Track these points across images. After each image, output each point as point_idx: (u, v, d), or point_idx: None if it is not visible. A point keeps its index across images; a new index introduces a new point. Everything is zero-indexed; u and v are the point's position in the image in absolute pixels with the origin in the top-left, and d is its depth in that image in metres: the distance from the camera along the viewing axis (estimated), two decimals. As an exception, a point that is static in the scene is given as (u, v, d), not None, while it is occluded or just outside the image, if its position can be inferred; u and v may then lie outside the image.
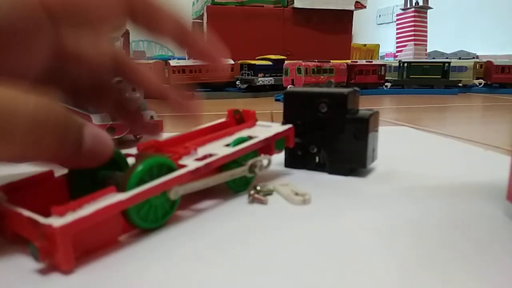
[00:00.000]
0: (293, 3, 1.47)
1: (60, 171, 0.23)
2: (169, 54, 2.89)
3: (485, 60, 1.38)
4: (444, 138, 0.53)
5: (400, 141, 0.49)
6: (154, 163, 0.22)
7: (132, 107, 0.31)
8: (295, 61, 1.10)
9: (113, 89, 0.28)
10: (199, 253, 0.20)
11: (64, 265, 0.17)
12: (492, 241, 0.21)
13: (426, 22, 1.78)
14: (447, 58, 1.95)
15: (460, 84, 1.28)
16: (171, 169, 0.23)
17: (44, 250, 0.17)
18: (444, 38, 2.47)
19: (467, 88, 1.29)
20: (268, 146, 0.31)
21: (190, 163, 0.24)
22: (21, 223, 0.18)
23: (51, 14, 0.21)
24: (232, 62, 1.22)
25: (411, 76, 1.30)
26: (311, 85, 1.05)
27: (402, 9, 1.83)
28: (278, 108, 0.89)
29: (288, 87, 1.05)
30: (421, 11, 1.77)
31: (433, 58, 1.95)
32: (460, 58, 1.88)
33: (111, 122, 0.42)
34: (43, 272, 0.18)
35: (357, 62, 1.29)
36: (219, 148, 0.28)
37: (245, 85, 1.21)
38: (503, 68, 1.29)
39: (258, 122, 0.34)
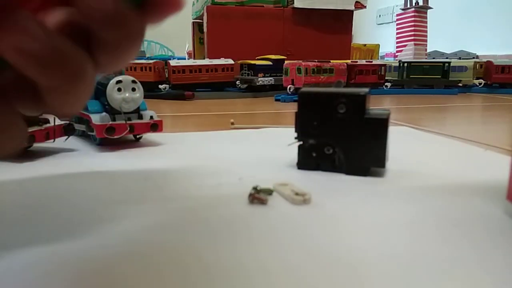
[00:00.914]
0: (293, 3, 1.47)
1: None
2: (169, 54, 2.89)
3: (485, 60, 1.38)
4: (444, 138, 0.53)
5: (400, 141, 0.49)
6: None
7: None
8: (295, 61, 1.10)
9: None
10: (199, 253, 0.20)
11: None
12: (492, 240, 0.21)
13: (426, 22, 1.79)
14: (447, 58, 1.95)
15: (460, 84, 1.28)
16: None
17: None
18: (444, 38, 2.47)
19: (467, 88, 1.29)
20: None
21: None
22: None
23: None
24: (232, 62, 1.22)
25: (411, 76, 1.31)
26: (312, 85, 1.05)
27: (402, 9, 1.84)
28: (278, 108, 0.89)
29: (289, 87, 1.05)
30: (421, 11, 1.77)
31: (433, 58, 1.95)
32: (460, 58, 1.89)
33: (111, 122, 0.42)
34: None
35: (357, 62, 1.29)
36: None
37: (245, 85, 1.21)
38: (503, 68, 1.29)
39: None
